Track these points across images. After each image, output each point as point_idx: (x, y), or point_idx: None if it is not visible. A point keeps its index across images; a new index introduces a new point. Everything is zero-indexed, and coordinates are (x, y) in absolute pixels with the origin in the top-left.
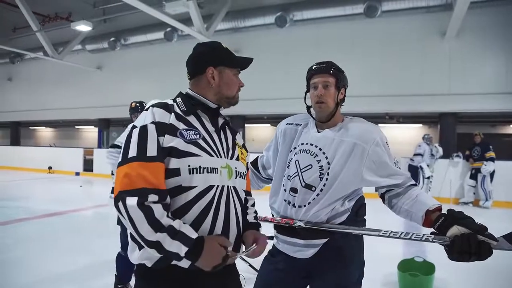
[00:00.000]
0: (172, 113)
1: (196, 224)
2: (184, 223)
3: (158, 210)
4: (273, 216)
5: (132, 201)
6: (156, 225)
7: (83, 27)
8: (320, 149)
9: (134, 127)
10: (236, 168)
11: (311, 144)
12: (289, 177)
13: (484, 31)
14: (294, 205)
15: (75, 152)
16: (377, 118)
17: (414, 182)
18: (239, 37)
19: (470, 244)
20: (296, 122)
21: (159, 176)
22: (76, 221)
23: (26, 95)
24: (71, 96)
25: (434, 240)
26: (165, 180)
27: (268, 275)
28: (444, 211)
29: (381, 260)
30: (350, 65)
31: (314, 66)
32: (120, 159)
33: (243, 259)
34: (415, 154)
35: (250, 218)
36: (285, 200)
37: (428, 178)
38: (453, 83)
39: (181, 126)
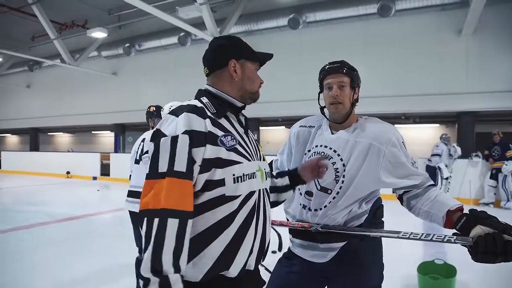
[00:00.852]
0: (207, 118)
1: (241, 233)
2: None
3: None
4: (288, 220)
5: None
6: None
7: (99, 34)
8: (335, 151)
9: (163, 135)
10: (265, 169)
11: (325, 146)
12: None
13: (501, 28)
14: (310, 209)
15: (92, 157)
16: (393, 119)
17: (433, 183)
18: (252, 40)
19: (496, 244)
20: (309, 124)
21: (187, 195)
22: (94, 225)
23: (45, 102)
24: (87, 102)
25: (456, 241)
26: (208, 192)
27: (282, 278)
28: (465, 211)
29: (400, 263)
30: (365, 66)
31: (328, 66)
32: (148, 171)
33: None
34: (432, 155)
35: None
36: (300, 204)
37: (447, 178)
38: (471, 81)
39: (218, 132)
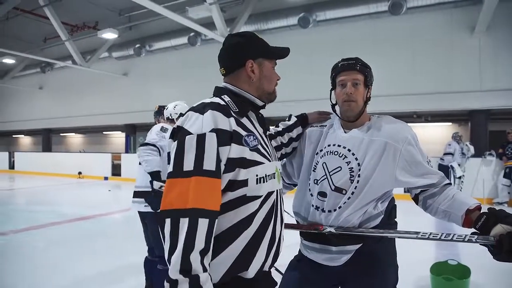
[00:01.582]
0: (232, 117)
1: (260, 233)
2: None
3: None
4: (298, 222)
5: (184, 221)
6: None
7: (110, 35)
8: (349, 150)
9: (187, 132)
10: (280, 169)
11: (339, 146)
12: (316, 181)
13: None
14: (323, 210)
15: (104, 157)
16: (405, 117)
17: (449, 182)
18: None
19: None
20: (321, 123)
21: (216, 194)
22: (105, 225)
23: (57, 103)
24: (98, 103)
25: (477, 240)
26: (231, 192)
27: (294, 283)
28: (483, 210)
29: (413, 263)
30: (376, 64)
31: (341, 63)
32: (171, 169)
33: None
34: (445, 153)
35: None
36: (312, 205)
37: (460, 178)
38: (484, 79)
39: (242, 132)
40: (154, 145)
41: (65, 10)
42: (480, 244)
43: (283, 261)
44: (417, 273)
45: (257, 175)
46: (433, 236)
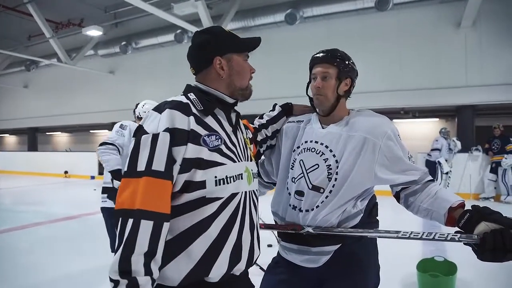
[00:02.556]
0: (191, 116)
1: (222, 236)
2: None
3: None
4: (276, 222)
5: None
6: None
7: (94, 32)
8: (327, 147)
9: (144, 132)
10: (252, 170)
11: (316, 142)
12: (293, 179)
13: (501, 19)
14: (300, 210)
15: (90, 156)
16: (392, 113)
17: (432, 178)
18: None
19: (503, 240)
20: (298, 119)
21: (164, 196)
22: (90, 225)
23: (42, 101)
24: (85, 101)
25: (460, 239)
26: (188, 194)
27: (272, 286)
28: (467, 207)
29: (399, 260)
30: (363, 60)
31: (315, 55)
32: (126, 168)
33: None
34: (432, 149)
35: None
36: (290, 205)
37: (447, 173)
38: (470, 75)
39: (202, 131)
40: (112, 144)
41: (49, 7)
42: (464, 244)
43: (271, 256)
44: (404, 270)
45: (215, 177)
46: (414, 235)
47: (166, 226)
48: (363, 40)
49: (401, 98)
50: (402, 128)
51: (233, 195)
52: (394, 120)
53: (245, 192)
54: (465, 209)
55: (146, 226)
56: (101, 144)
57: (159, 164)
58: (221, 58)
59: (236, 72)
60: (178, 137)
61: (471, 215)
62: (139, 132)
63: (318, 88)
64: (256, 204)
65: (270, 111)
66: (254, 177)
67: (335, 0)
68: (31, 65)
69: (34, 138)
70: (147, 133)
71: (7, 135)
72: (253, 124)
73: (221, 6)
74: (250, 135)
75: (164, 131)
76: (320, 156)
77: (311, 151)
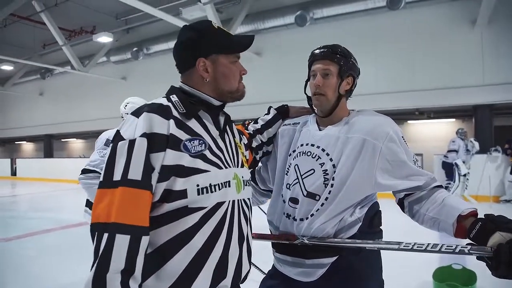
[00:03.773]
0: (171, 119)
1: (206, 249)
2: None
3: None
4: (271, 232)
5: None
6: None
7: (105, 38)
8: (323, 150)
9: (120, 138)
10: (243, 177)
11: (312, 145)
12: (288, 185)
13: None
14: (294, 218)
15: None
16: (406, 114)
17: (439, 183)
18: (259, 39)
19: None
20: (294, 121)
21: (141, 208)
22: None
23: (57, 109)
24: (98, 107)
25: (471, 251)
26: (168, 204)
27: None
28: (482, 213)
29: (412, 268)
30: (375, 61)
31: (315, 50)
32: (102, 178)
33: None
34: (449, 151)
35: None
36: (284, 213)
37: (465, 175)
38: (487, 73)
39: (183, 135)
40: (93, 171)
41: (62, 16)
42: (477, 258)
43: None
44: (418, 279)
45: (197, 185)
46: (417, 247)
47: (145, 240)
48: (375, 40)
49: (415, 98)
50: (417, 129)
51: (219, 205)
52: (409, 122)
53: (234, 201)
54: (477, 217)
55: (122, 241)
56: (82, 172)
57: (135, 173)
58: (205, 59)
59: (221, 75)
60: (156, 142)
61: (484, 224)
62: (116, 138)
63: (318, 86)
64: (248, 214)
65: (265, 114)
66: (246, 185)
67: (345, 1)
68: (46, 73)
69: (50, 145)
70: (124, 139)
71: (25, 142)
72: (247, 129)
73: (230, 10)
74: (246, 141)
75: (141, 136)
76: (316, 160)
77: (307, 155)
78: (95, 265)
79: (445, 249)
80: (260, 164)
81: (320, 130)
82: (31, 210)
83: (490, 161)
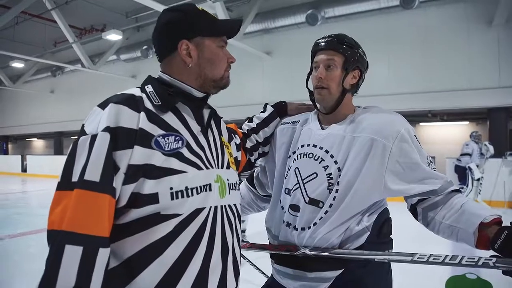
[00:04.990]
0: (142, 112)
1: (181, 264)
2: None
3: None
4: (269, 241)
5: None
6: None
7: (114, 36)
8: (327, 151)
9: (83, 133)
10: (228, 180)
11: (314, 146)
12: (287, 190)
13: None
14: (295, 228)
15: None
16: (418, 116)
17: (457, 187)
18: (270, 38)
19: None
20: (293, 119)
21: (99, 214)
22: None
23: (68, 106)
24: None
25: (497, 264)
26: (137, 209)
27: None
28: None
29: (425, 277)
30: (388, 61)
31: (319, 40)
32: (59, 179)
33: (252, 264)
34: (462, 154)
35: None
36: (284, 221)
37: (478, 180)
38: (503, 75)
39: (156, 130)
40: None
41: (72, 14)
42: (503, 272)
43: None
44: None
45: (171, 188)
46: (434, 259)
47: (103, 252)
48: (388, 40)
49: (428, 100)
50: (429, 132)
51: (198, 211)
52: (421, 124)
53: (216, 207)
54: (502, 226)
55: (72, 253)
56: None
57: (93, 173)
58: (188, 42)
59: (206, 59)
60: (122, 138)
61: (511, 233)
62: (80, 133)
63: (321, 78)
64: (234, 222)
65: (261, 112)
66: (232, 189)
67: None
68: (56, 71)
69: (60, 142)
70: (86, 134)
71: (35, 139)
72: (241, 128)
73: (241, 8)
74: (238, 141)
75: (103, 131)
76: (319, 163)
77: (309, 157)
78: (40, 279)
79: (466, 261)
80: (258, 168)
81: (322, 129)
82: (39, 207)
83: (505, 165)
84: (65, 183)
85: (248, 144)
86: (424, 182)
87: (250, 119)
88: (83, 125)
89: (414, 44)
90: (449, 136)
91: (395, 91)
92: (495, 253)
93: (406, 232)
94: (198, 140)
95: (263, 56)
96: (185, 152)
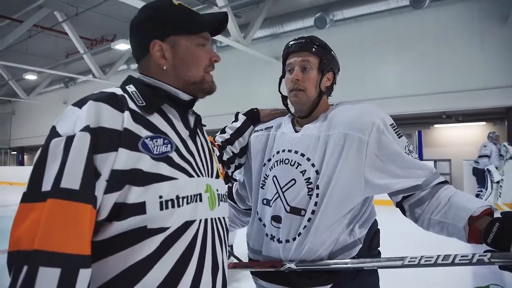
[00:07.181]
0: (126, 111)
1: (169, 285)
2: None
3: None
4: (249, 258)
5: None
6: None
7: (123, 46)
8: (303, 155)
9: (55, 134)
10: (217, 190)
11: (289, 151)
12: (266, 201)
13: None
14: (279, 240)
15: None
16: (432, 118)
17: (443, 179)
18: (278, 43)
19: None
20: (266, 125)
21: (78, 229)
22: None
23: None
24: None
25: (492, 260)
26: (120, 222)
27: None
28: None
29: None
30: (399, 63)
31: (291, 42)
32: (25, 188)
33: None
34: (480, 156)
35: None
36: (267, 235)
37: (498, 182)
38: None
39: (142, 132)
40: None
41: (83, 25)
42: (499, 267)
43: None
44: None
45: (161, 197)
46: (425, 261)
47: (84, 274)
48: (399, 41)
49: (443, 101)
50: (444, 133)
51: (187, 224)
52: (435, 125)
53: (206, 220)
54: (493, 217)
55: (48, 277)
56: None
57: (71, 180)
58: (161, 42)
59: (181, 61)
60: (104, 139)
61: (503, 224)
62: (49, 136)
63: (297, 80)
64: (223, 237)
65: (233, 122)
66: (221, 200)
67: (366, 1)
68: (69, 82)
69: None
70: (59, 136)
71: None
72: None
73: (249, 14)
74: (218, 153)
75: (82, 131)
76: (296, 168)
77: (285, 163)
78: None
79: (459, 260)
80: (237, 181)
81: (296, 131)
82: None
83: None
84: (34, 194)
85: (225, 157)
86: (406, 175)
87: (223, 130)
88: (53, 127)
89: (426, 44)
90: (465, 138)
91: (408, 93)
92: (490, 248)
93: (411, 239)
94: (187, 144)
95: (272, 61)
96: (175, 156)
